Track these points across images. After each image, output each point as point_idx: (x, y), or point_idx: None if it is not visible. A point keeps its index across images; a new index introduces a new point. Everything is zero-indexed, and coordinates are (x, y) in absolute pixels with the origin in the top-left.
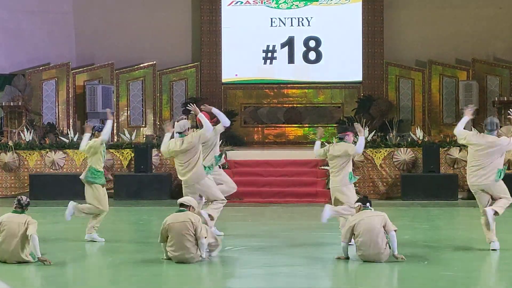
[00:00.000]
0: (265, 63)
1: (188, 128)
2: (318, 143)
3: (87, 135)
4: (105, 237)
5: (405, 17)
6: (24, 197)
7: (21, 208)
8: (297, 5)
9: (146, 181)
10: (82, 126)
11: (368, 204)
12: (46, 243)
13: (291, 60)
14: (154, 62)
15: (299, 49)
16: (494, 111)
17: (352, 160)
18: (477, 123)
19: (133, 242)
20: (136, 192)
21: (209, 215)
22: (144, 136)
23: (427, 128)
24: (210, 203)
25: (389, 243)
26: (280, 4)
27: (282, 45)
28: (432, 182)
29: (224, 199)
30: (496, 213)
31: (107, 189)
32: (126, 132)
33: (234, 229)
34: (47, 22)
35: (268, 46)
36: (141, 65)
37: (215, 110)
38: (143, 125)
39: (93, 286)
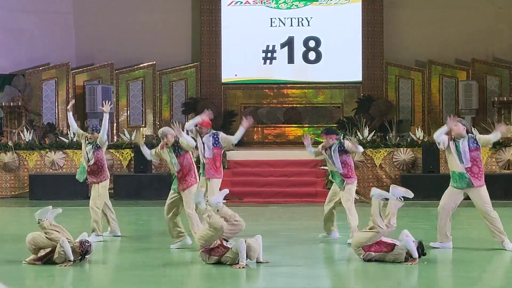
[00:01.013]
0: (264, 63)
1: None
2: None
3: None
4: (105, 237)
5: (404, 17)
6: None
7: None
8: (296, 5)
9: (145, 181)
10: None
11: None
12: None
13: (290, 60)
14: (154, 62)
15: (298, 49)
16: (494, 111)
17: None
18: (477, 123)
19: (133, 242)
20: (135, 192)
21: None
22: (144, 136)
23: (426, 128)
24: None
25: None
26: (279, 4)
27: (282, 45)
28: (432, 182)
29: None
30: None
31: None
32: (126, 132)
33: None
34: (47, 22)
35: (268, 46)
36: (141, 65)
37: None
38: (143, 125)
39: (93, 286)
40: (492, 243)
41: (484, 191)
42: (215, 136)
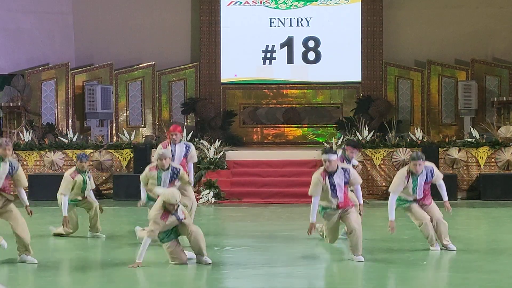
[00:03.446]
0: (264, 63)
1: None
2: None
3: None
4: (104, 237)
5: (404, 17)
6: None
7: None
8: (296, 5)
9: None
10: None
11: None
12: (45, 243)
13: (290, 60)
14: (153, 62)
15: (298, 49)
16: (493, 111)
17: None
18: (476, 124)
19: (132, 243)
20: (135, 192)
21: None
22: (143, 136)
23: (426, 128)
24: None
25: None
26: (279, 4)
27: (281, 45)
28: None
29: None
30: None
31: (106, 189)
32: (125, 132)
33: (234, 229)
34: (46, 22)
35: (267, 46)
36: (140, 65)
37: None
38: (142, 125)
39: (92, 286)
40: (491, 243)
41: None
42: (187, 147)
